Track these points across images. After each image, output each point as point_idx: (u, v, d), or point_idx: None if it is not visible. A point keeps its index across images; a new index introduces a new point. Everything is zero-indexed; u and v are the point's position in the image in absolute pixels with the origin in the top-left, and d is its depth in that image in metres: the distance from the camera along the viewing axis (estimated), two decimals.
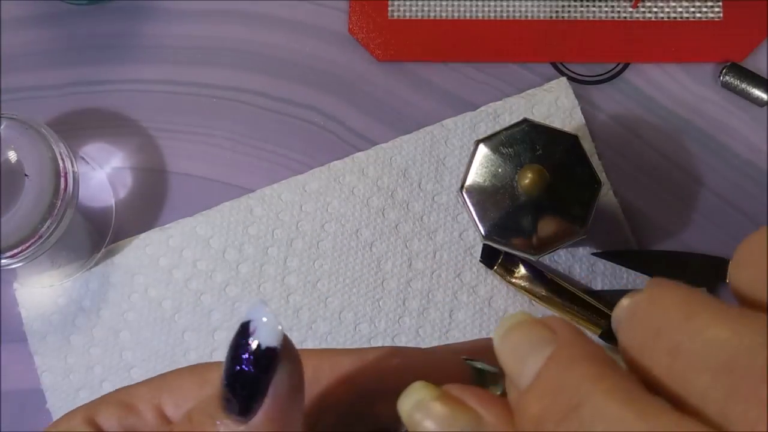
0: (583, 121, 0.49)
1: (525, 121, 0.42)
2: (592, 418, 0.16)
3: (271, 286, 0.48)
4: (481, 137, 0.43)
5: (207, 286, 0.48)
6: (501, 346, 0.19)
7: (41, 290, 0.48)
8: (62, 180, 0.42)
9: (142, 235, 0.49)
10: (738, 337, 0.16)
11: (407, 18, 0.50)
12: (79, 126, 0.50)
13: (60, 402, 0.47)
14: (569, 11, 0.50)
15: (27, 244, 0.42)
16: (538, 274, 0.47)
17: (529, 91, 0.49)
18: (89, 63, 0.51)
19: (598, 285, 0.48)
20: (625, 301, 0.19)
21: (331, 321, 0.48)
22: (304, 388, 0.20)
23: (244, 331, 0.19)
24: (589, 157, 0.42)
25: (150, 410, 0.23)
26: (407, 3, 0.51)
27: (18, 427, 0.47)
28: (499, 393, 0.21)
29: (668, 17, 0.50)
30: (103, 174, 0.50)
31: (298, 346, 0.21)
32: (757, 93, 0.49)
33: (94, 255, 0.48)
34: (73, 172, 0.43)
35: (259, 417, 0.19)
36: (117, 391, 0.24)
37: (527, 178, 0.40)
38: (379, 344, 0.43)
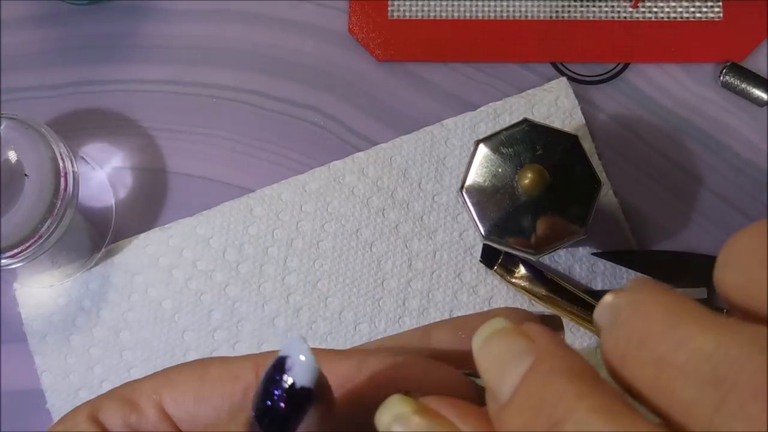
0: (583, 121, 0.49)
1: (525, 121, 0.42)
2: None
3: (271, 286, 0.48)
4: (481, 137, 0.43)
5: (207, 286, 0.48)
6: (479, 356, 0.19)
7: (41, 290, 0.48)
8: (62, 180, 0.42)
9: (142, 235, 0.49)
10: (723, 348, 0.15)
11: (407, 18, 0.50)
12: (79, 126, 0.50)
13: (60, 402, 0.47)
14: (569, 11, 0.50)
15: (27, 244, 0.42)
16: (538, 274, 0.47)
17: (529, 91, 0.49)
18: (89, 63, 0.51)
19: (598, 285, 0.47)
20: (607, 299, 0.18)
21: (331, 321, 0.48)
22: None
23: (280, 366, 0.19)
24: (589, 157, 0.42)
25: (151, 407, 0.23)
26: (407, 3, 0.51)
27: (18, 427, 0.47)
28: None
29: (668, 17, 0.50)
30: (103, 174, 0.50)
31: None
32: (757, 93, 0.49)
33: (94, 255, 0.48)
34: (73, 172, 0.43)
35: None
36: (121, 386, 0.24)
37: (527, 178, 0.40)
38: None
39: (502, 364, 0.18)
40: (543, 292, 0.46)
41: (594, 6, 0.50)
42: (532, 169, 0.40)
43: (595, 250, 0.48)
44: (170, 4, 0.51)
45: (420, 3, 0.51)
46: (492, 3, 0.51)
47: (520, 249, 0.42)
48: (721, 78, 0.49)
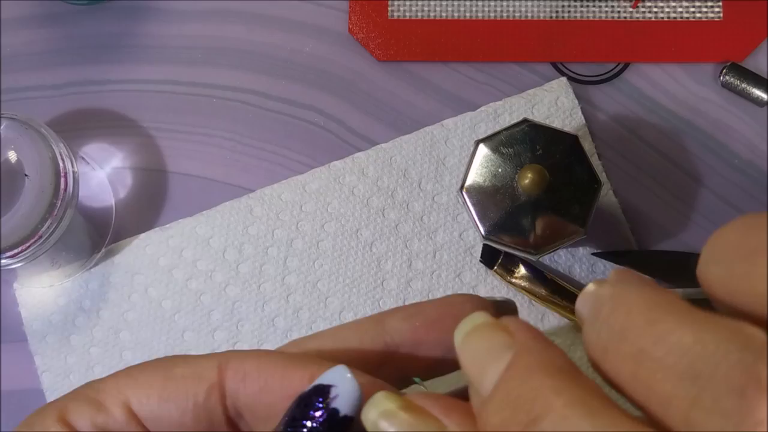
0: (583, 121, 0.49)
1: (525, 121, 0.42)
2: (553, 431, 0.16)
3: (271, 286, 0.48)
4: (481, 137, 0.43)
5: (207, 286, 0.48)
6: (461, 351, 0.19)
7: (41, 290, 0.48)
8: (62, 180, 0.42)
9: (142, 235, 0.49)
10: (702, 343, 0.15)
11: (407, 18, 0.50)
12: (79, 126, 0.50)
13: None
14: (569, 11, 0.50)
15: (27, 244, 0.42)
16: (538, 274, 0.46)
17: (529, 91, 0.49)
18: (89, 63, 0.51)
19: None
20: (589, 289, 0.18)
21: (331, 321, 0.48)
22: None
23: (322, 392, 0.20)
24: (589, 157, 0.42)
25: (118, 406, 0.22)
26: (407, 3, 0.51)
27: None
28: None
29: (668, 17, 0.50)
30: (103, 174, 0.50)
31: None
32: (757, 93, 0.49)
33: (94, 255, 0.48)
34: (73, 172, 0.43)
35: None
36: (84, 387, 0.23)
37: (527, 178, 0.40)
38: None
39: (482, 360, 0.18)
40: (543, 292, 0.46)
41: (594, 6, 0.50)
42: (532, 169, 0.40)
43: (595, 250, 0.48)
44: (170, 4, 0.51)
45: (420, 3, 0.51)
46: (492, 3, 0.51)
47: (520, 249, 0.42)
48: (721, 78, 0.49)
